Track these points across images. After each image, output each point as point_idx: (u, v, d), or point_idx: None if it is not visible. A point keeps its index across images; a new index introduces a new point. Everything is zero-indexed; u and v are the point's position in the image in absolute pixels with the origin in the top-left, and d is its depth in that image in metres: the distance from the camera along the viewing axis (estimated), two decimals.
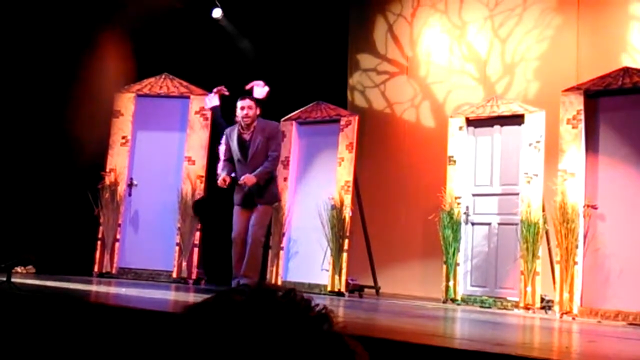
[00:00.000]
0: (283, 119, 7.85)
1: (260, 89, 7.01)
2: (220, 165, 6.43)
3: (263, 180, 6.29)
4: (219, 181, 6.26)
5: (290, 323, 0.74)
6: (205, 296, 0.81)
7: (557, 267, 6.35)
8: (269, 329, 0.73)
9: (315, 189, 7.73)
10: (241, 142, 6.33)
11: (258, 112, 6.40)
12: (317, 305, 0.78)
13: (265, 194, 6.34)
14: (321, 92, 8.39)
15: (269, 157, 6.35)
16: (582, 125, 6.41)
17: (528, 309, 6.53)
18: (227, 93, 7.53)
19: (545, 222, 6.63)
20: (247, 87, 7.14)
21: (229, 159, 6.42)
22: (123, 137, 8.06)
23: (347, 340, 0.77)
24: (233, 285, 6.12)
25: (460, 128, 7.46)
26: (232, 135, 6.42)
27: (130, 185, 8.01)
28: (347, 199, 7.55)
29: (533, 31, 8.30)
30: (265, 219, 6.48)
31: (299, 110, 8.01)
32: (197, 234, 7.70)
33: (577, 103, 6.47)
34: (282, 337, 0.73)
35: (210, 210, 7.22)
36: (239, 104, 6.32)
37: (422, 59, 9.22)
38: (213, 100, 7.38)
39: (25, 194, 7.65)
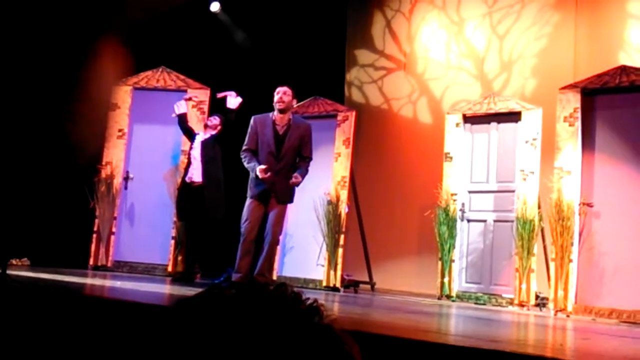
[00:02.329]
0: None
1: (233, 100, 6.99)
2: (246, 156, 6.17)
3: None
4: (261, 174, 5.96)
5: (281, 316, 0.74)
6: (199, 290, 0.81)
7: (552, 265, 6.36)
8: (260, 321, 0.73)
9: (312, 184, 7.72)
10: (276, 134, 6.14)
11: (294, 103, 6.28)
12: (308, 298, 0.79)
13: (288, 194, 6.15)
14: (318, 88, 8.38)
15: (306, 159, 6.18)
16: (578, 123, 6.42)
17: (523, 306, 6.55)
18: (195, 103, 7.65)
19: (540, 220, 6.64)
20: (219, 95, 7.13)
21: (254, 149, 6.17)
22: (119, 130, 8.05)
23: (338, 332, 0.77)
24: (234, 279, 6.06)
25: (457, 125, 7.47)
26: (263, 125, 6.17)
27: (126, 178, 8.00)
28: (343, 195, 7.55)
29: (531, 28, 8.30)
30: (284, 219, 6.37)
31: (296, 105, 7.96)
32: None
33: (574, 101, 6.47)
34: (272, 330, 0.73)
35: (195, 212, 7.17)
36: (277, 89, 6.21)
37: (420, 55, 9.21)
38: (182, 107, 7.41)
39: (20, 187, 7.63)
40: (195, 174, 7.13)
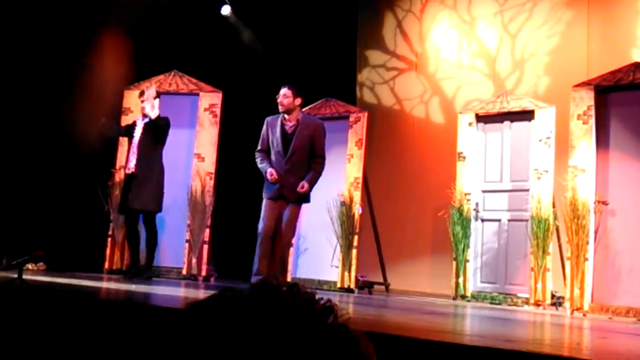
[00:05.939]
0: None
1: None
2: (259, 157, 6.20)
3: (313, 185, 6.17)
4: (269, 177, 6.02)
5: (295, 316, 0.75)
6: (213, 292, 0.81)
7: (567, 264, 6.32)
8: (274, 322, 0.74)
9: (325, 185, 7.72)
10: (284, 133, 6.14)
11: (297, 102, 6.18)
12: (322, 298, 0.79)
13: (298, 194, 6.07)
14: (330, 89, 8.39)
15: (318, 158, 6.15)
16: (592, 121, 6.38)
17: (538, 305, 6.51)
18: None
19: (555, 218, 6.61)
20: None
21: (266, 150, 6.21)
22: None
23: (352, 332, 0.77)
24: (253, 281, 6.02)
25: (470, 124, 7.44)
26: (274, 125, 6.20)
27: None
28: (357, 196, 7.54)
29: (543, 26, 8.27)
30: (296, 219, 6.32)
31: (308, 107, 7.99)
32: (207, 230, 7.71)
33: (587, 98, 6.43)
34: (287, 330, 0.73)
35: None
36: (279, 92, 6.20)
37: (431, 55, 9.19)
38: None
39: (36, 192, 7.68)
40: (132, 163, 6.89)
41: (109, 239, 7.83)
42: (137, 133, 6.94)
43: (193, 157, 7.86)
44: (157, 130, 6.87)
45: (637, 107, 6.31)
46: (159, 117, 6.82)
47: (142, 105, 6.94)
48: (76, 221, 7.74)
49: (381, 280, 7.93)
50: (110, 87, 8.25)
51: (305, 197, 6.18)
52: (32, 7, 7.69)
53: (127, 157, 7.00)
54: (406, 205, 8.87)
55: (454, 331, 4.30)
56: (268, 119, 6.32)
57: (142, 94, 7.03)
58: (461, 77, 8.88)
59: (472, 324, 5.13)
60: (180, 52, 8.60)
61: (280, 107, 6.17)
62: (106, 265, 7.78)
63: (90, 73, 8.13)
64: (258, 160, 6.23)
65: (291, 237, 6.42)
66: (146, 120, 6.91)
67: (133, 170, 6.85)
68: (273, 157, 6.16)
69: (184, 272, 7.68)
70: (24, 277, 4.80)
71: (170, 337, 0.77)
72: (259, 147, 6.26)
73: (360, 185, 7.59)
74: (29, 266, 7.21)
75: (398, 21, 9.51)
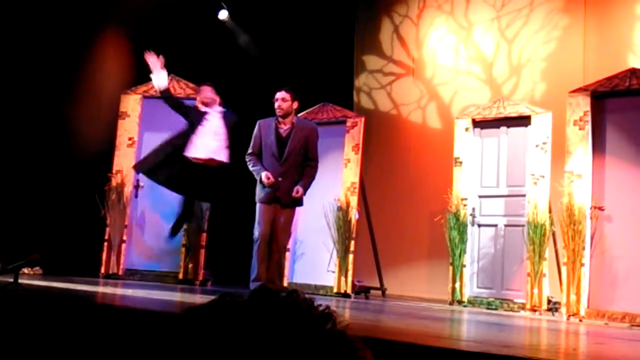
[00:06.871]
0: None
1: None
2: (251, 160, 6.18)
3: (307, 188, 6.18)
4: (266, 181, 5.99)
5: (294, 322, 0.75)
6: (211, 297, 0.81)
7: (563, 269, 6.33)
8: (272, 328, 0.74)
9: (321, 190, 7.72)
10: (278, 137, 6.14)
11: (295, 106, 6.21)
12: (320, 305, 0.79)
13: (292, 197, 6.10)
14: (327, 94, 8.39)
15: (311, 162, 6.16)
16: (589, 127, 6.39)
17: (535, 310, 6.52)
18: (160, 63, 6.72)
19: (552, 224, 6.62)
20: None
21: (257, 153, 6.20)
22: (129, 139, 8.06)
23: (350, 337, 0.78)
24: (252, 287, 6.00)
25: (467, 129, 7.46)
26: (267, 128, 6.19)
27: (136, 186, 8.01)
28: (353, 201, 7.55)
29: (540, 32, 8.29)
30: (292, 223, 6.34)
31: (305, 112, 8.00)
32: (204, 235, 7.71)
33: (584, 104, 6.45)
34: (285, 336, 0.73)
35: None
36: (275, 95, 6.17)
37: (428, 60, 9.21)
38: (161, 77, 6.63)
39: (32, 196, 7.67)
40: (201, 149, 6.56)
41: (105, 243, 7.82)
42: (214, 120, 6.62)
43: None
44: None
45: (633, 113, 6.33)
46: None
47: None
48: (72, 225, 7.72)
49: (378, 285, 7.92)
50: (109, 89, 8.24)
51: (299, 201, 6.20)
52: (33, 8, 7.68)
53: (195, 141, 6.54)
54: (403, 210, 8.87)
55: (451, 336, 4.30)
56: (260, 122, 6.31)
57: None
58: (458, 83, 8.90)
59: (469, 330, 5.13)
60: (178, 56, 8.59)
61: (278, 111, 6.16)
62: (102, 269, 7.78)
63: (89, 76, 8.13)
64: (250, 163, 6.21)
65: (287, 241, 6.42)
66: (222, 109, 6.69)
67: (223, 160, 6.57)
68: (266, 160, 6.15)
69: (180, 276, 7.67)
70: (20, 281, 4.79)
71: (168, 342, 0.77)
72: (250, 150, 6.24)
73: (357, 190, 7.60)
74: (25, 270, 7.19)
75: (395, 26, 9.53)
